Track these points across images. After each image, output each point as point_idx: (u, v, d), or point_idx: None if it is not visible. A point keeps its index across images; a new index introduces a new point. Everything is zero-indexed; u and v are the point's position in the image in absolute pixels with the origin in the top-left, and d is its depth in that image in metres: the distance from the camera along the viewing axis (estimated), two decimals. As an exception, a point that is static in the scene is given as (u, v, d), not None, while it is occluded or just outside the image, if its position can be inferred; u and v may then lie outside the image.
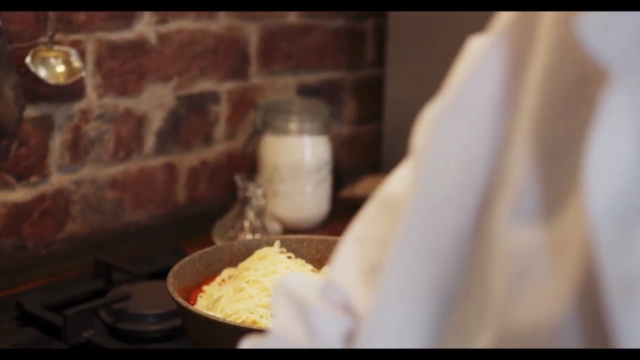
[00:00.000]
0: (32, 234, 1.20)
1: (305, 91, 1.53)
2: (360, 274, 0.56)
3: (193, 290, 0.96)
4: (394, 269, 0.50)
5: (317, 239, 1.02)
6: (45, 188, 1.21)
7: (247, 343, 0.56)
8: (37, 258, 1.20)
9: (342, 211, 1.44)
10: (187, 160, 1.38)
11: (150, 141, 1.32)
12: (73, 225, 1.25)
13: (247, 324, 0.84)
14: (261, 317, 0.85)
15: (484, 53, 0.49)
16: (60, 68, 1.14)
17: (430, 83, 1.49)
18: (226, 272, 0.97)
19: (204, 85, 1.38)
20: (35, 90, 1.16)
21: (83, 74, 1.13)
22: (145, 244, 1.29)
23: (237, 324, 0.82)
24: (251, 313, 0.85)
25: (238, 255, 1.00)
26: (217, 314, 0.87)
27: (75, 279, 1.14)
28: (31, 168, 1.19)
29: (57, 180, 1.22)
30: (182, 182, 1.38)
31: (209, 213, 1.37)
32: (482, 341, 0.45)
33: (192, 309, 0.84)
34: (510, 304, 0.44)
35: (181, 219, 1.38)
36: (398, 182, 0.56)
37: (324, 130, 1.37)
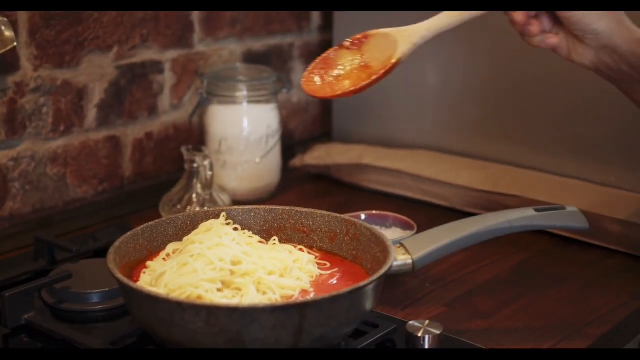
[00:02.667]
0: (-31, 214, 1.16)
1: (252, 58, 1.48)
2: None
3: (137, 266, 0.92)
4: None
5: (264, 209, 0.99)
6: (-19, 166, 1.16)
7: None
8: (-24, 239, 1.16)
9: (294, 181, 1.41)
10: (132, 132, 1.34)
11: (91, 114, 1.27)
12: (13, 203, 1.20)
13: (192, 299, 0.81)
14: (206, 291, 0.81)
15: None
16: (-9, 39, 1.08)
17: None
18: (171, 247, 0.93)
19: (146, 54, 1.33)
20: (-35, 63, 1.11)
21: (15, 44, 1.08)
22: (90, 221, 1.25)
23: (180, 300, 0.78)
24: (196, 288, 0.82)
25: (183, 229, 0.96)
26: (161, 289, 0.83)
27: (16, 259, 1.11)
28: (-35, 145, 1.14)
29: (-7, 157, 1.17)
30: (127, 156, 1.34)
31: (157, 187, 1.33)
32: None
33: (132, 286, 0.80)
34: None
35: (128, 194, 1.34)
36: None
37: (272, 98, 1.33)
